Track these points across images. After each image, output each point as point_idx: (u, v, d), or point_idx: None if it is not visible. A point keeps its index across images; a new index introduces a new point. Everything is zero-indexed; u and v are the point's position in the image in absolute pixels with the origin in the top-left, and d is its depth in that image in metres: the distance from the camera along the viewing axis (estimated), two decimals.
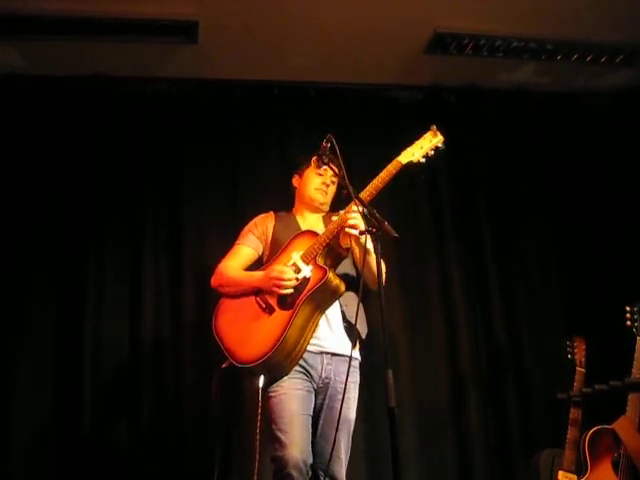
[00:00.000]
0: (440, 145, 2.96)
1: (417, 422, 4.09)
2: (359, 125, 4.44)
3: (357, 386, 3.01)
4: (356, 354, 3.00)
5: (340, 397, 2.81)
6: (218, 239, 3.92)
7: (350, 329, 2.95)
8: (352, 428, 2.97)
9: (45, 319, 3.90)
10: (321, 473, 2.86)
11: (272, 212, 3.29)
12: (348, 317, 2.98)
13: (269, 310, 2.90)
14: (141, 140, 4.24)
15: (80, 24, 3.75)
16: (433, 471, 4.06)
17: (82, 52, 3.97)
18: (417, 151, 2.94)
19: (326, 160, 2.88)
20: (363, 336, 3.04)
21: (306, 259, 2.90)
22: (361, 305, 2.88)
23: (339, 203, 3.35)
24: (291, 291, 2.86)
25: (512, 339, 4.34)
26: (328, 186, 3.23)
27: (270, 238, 3.17)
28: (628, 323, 3.58)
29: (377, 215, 2.70)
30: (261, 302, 2.93)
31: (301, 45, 4.11)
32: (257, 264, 3.20)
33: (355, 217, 2.80)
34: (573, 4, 3.88)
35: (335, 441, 2.77)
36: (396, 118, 4.57)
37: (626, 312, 3.60)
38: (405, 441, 3.87)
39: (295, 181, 3.34)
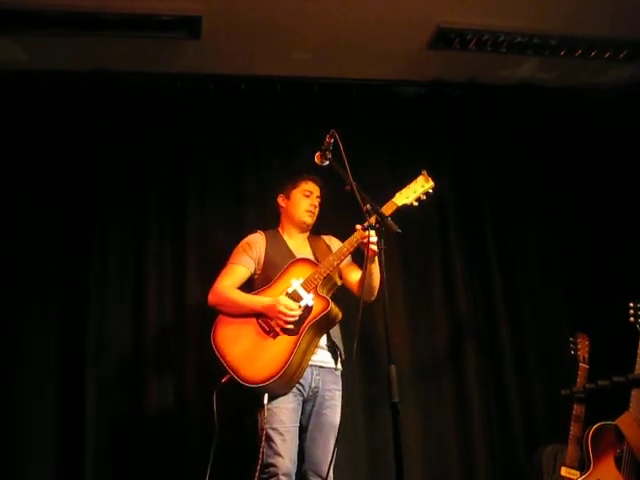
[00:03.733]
0: (431, 191, 3.16)
1: (419, 422, 4.09)
2: (362, 121, 4.44)
3: (341, 394, 3.22)
4: (339, 366, 3.26)
5: (327, 404, 3.15)
6: (222, 236, 3.94)
7: (333, 347, 3.24)
8: (337, 431, 3.10)
9: (47, 317, 3.91)
10: (311, 473, 3.08)
11: (261, 232, 3.42)
12: (332, 337, 3.24)
13: (273, 334, 3.08)
14: (144, 136, 4.23)
15: (82, 19, 3.74)
16: (436, 470, 4.06)
17: (85, 47, 3.97)
18: (411, 195, 3.14)
19: (329, 156, 2.89)
20: (343, 356, 3.27)
21: (307, 287, 3.11)
22: (339, 328, 3.25)
23: (341, 201, 3.36)
24: (292, 326, 3.05)
25: (515, 337, 4.33)
26: (316, 207, 3.43)
27: (263, 259, 3.33)
28: (631, 319, 3.59)
29: (381, 211, 2.71)
30: (264, 325, 3.10)
31: (304, 40, 4.10)
32: (248, 281, 3.34)
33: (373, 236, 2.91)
34: None
35: (334, 445, 2.94)
36: (399, 113, 4.57)
37: (629, 308, 3.61)
38: (407, 440, 3.87)
39: (281, 200, 3.48)
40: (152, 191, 4.18)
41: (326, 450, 3.05)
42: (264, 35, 4.01)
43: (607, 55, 4.35)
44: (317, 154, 2.94)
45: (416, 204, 3.14)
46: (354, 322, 3.59)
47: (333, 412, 3.14)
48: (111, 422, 3.79)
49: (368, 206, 2.72)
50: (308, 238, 3.47)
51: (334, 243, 3.43)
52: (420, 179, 3.16)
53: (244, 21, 3.88)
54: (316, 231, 3.53)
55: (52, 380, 3.81)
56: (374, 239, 2.91)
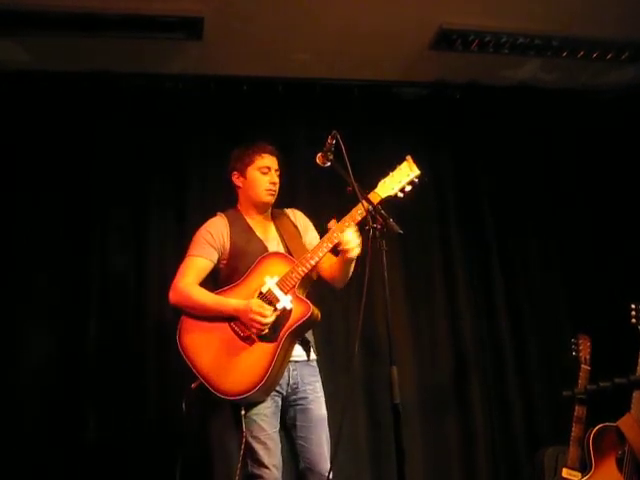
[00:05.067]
0: (417, 180, 2.92)
1: (420, 423, 4.09)
2: (364, 121, 4.44)
3: (320, 384, 3.05)
4: (313, 356, 3.07)
5: (311, 398, 2.96)
6: None
7: (304, 341, 3.02)
8: (326, 423, 3.01)
9: (48, 317, 3.90)
10: (309, 472, 2.91)
11: (222, 215, 3.17)
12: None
13: (249, 341, 2.86)
14: (145, 136, 4.22)
15: (84, 20, 3.74)
16: (437, 469, 4.06)
17: (87, 48, 3.97)
18: (395, 185, 2.91)
19: (331, 157, 2.88)
20: (314, 347, 3.08)
21: (283, 288, 2.88)
22: None
23: (343, 200, 3.35)
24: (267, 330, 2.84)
25: (516, 337, 4.34)
26: (276, 184, 3.15)
27: (228, 246, 3.06)
28: (633, 321, 3.58)
29: (382, 212, 2.71)
30: (238, 330, 2.88)
31: (306, 41, 4.10)
32: (212, 271, 3.10)
33: (350, 240, 2.87)
34: (579, 0, 3.87)
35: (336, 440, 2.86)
36: (401, 114, 4.58)
37: (631, 309, 3.60)
38: (408, 441, 3.86)
39: (236, 179, 3.18)
40: (153, 191, 4.19)
41: (320, 445, 2.92)
42: (265, 36, 4.01)
43: (609, 56, 4.36)
44: (319, 155, 2.91)
45: (401, 195, 2.91)
46: (351, 321, 3.58)
47: (318, 405, 2.97)
48: (112, 422, 3.79)
49: (370, 207, 2.72)
50: (272, 215, 3.21)
51: (299, 218, 3.25)
52: (404, 166, 2.93)
53: (246, 22, 3.88)
54: (279, 204, 3.29)
55: (52, 380, 3.81)
56: (353, 243, 2.87)
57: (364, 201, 2.74)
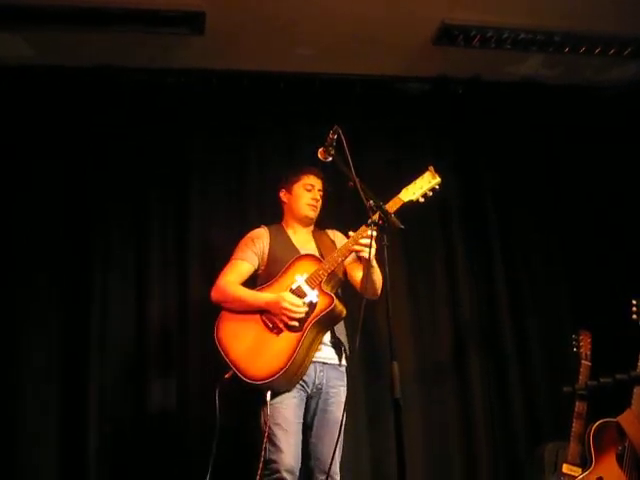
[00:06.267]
0: (437, 187, 3.16)
1: (421, 417, 4.10)
2: (366, 116, 4.44)
3: (345, 389, 3.21)
4: (344, 362, 3.25)
5: (332, 401, 3.15)
6: (224, 233, 3.94)
7: (337, 344, 3.23)
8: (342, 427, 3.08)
9: (49, 317, 3.90)
10: (318, 470, 3.07)
11: (265, 227, 3.42)
12: (337, 334, 3.22)
13: (276, 330, 3.07)
14: (146, 131, 4.22)
15: (86, 14, 3.74)
16: (438, 466, 4.07)
17: (88, 42, 3.97)
18: (417, 191, 3.14)
19: (332, 152, 2.89)
20: (347, 352, 3.25)
21: (311, 284, 3.10)
22: (343, 325, 3.23)
23: (344, 198, 3.36)
24: (297, 323, 3.04)
25: (518, 333, 4.33)
26: (318, 201, 3.41)
27: (267, 254, 3.32)
28: (634, 316, 3.58)
29: (384, 207, 2.71)
30: (267, 321, 3.10)
31: (308, 37, 4.09)
32: (252, 276, 3.33)
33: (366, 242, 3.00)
34: None
35: (337, 441, 2.93)
36: (403, 110, 4.57)
37: (632, 305, 3.60)
38: (409, 436, 3.87)
39: (283, 195, 3.46)
40: (154, 188, 4.18)
41: (331, 446, 3.00)
42: (267, 30, 4.00)
43: (611, 52, 4.34)
44: (320, 150, 2.93)
45: (422, 200, 3.13)
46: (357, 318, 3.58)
47: (338, 408, 3.12)
48: (113, 422, 3.79)
49: (371, 202, 2.73)
50: (312, 232, 3.45)
51: (338, 237, 3.42)
52: (427, 175, 3.16)
53: (247, 17, 3.88)
54: (320, 226, 3.52)
55: (54, 380, 3.81)
56: (365, 243, 3.00)
57: (366, 198, 2.74)
